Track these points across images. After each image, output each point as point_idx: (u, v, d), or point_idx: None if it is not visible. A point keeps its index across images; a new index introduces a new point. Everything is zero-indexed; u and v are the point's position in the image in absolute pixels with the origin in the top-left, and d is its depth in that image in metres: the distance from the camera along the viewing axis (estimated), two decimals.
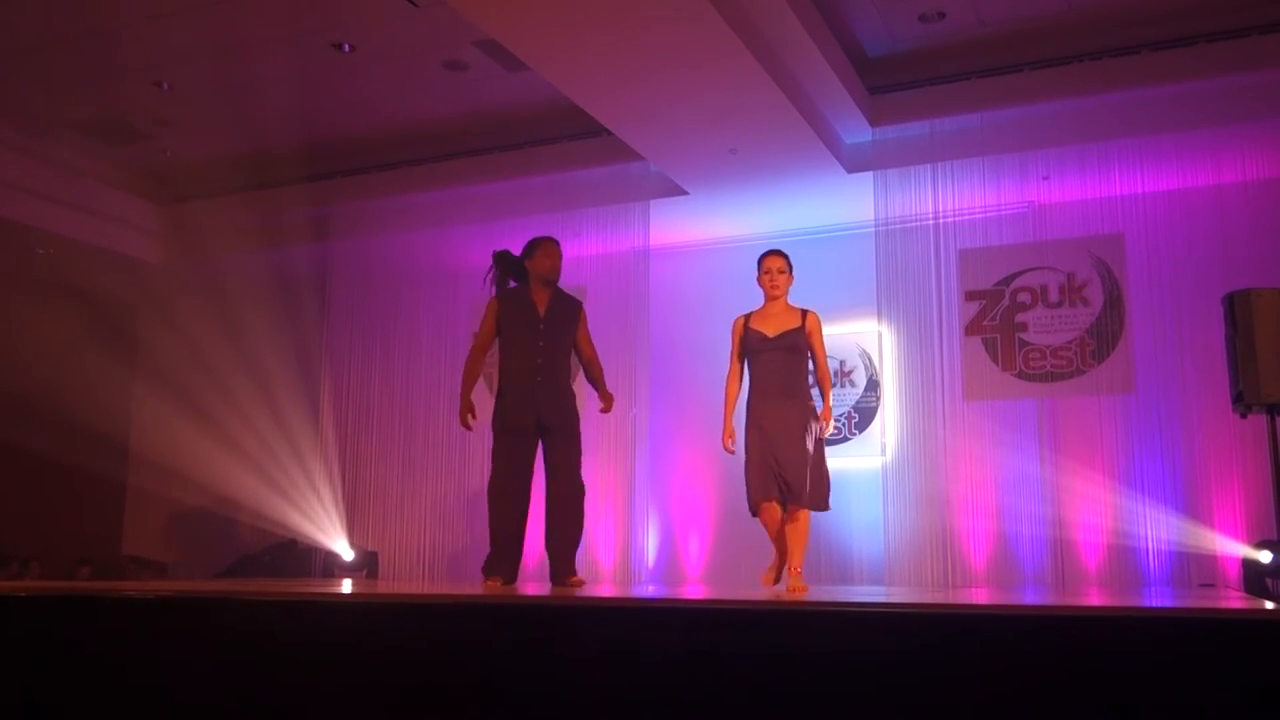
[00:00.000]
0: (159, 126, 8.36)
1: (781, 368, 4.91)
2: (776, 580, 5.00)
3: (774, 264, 5.03)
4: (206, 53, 7.18)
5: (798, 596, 3.90)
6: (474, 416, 5.22)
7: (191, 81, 7.64)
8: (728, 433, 5.04)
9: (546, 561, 5.22)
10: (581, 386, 5.60)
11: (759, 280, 5.06)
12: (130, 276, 9.73)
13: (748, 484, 4.84)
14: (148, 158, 8.93)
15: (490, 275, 5.33)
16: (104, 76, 7.54)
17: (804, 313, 5.02)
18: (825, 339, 5.08)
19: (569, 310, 5.27)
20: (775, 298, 5.02)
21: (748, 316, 5.09)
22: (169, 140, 8.63)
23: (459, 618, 2.90)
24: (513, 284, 5.32)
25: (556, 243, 5.32)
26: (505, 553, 5.10)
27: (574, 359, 5.38)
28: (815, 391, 5.04)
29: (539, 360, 5.09)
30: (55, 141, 8.50)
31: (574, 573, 5.10)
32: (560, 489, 5.12)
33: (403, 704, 2.77)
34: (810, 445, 4.79)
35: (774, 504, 4.79)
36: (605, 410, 5.37)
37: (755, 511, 4.87)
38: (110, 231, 9.18)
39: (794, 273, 5.07)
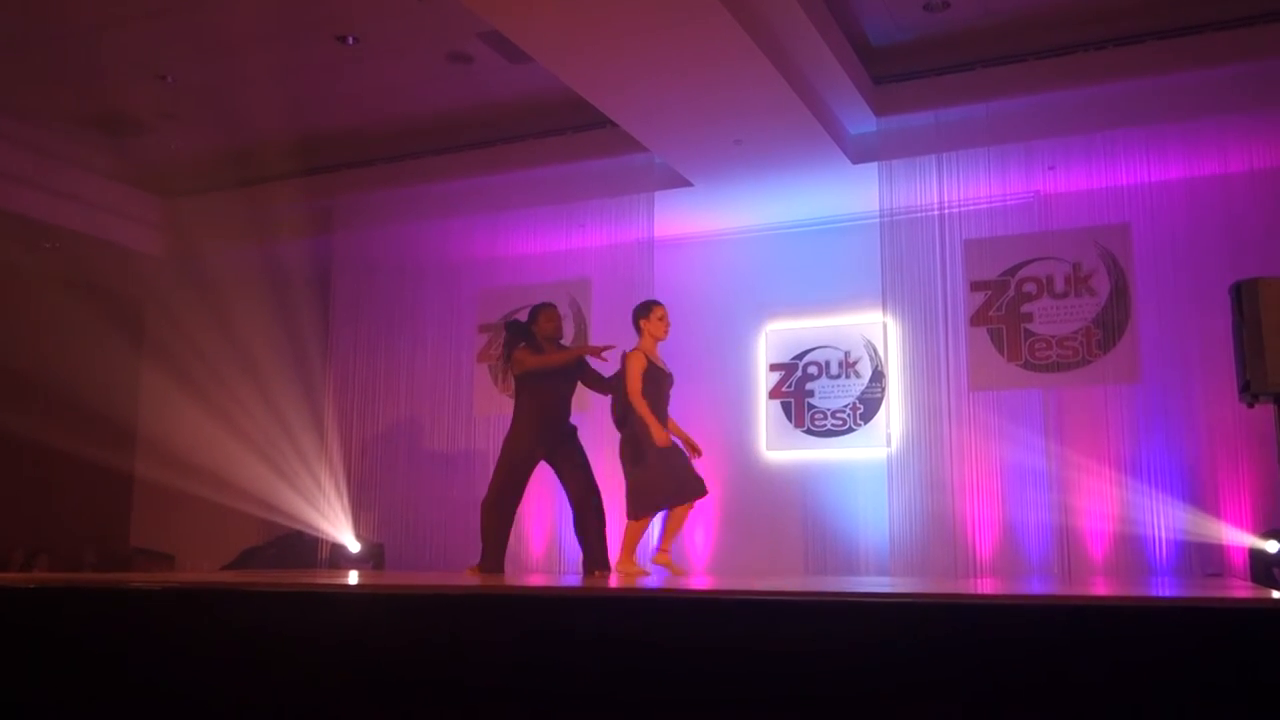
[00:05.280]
0: (163, 120, 8.35)
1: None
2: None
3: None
4: (209, 46, 7.17)
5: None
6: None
7: (195, 75, 7.64)
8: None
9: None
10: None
11: (658, 327, 5.86)
12: (136, 269, 9.75)
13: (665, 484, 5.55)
14: (152, 151, 8.93)
15: (503, 341, 6.02)
16: (107, 70, 7.52)
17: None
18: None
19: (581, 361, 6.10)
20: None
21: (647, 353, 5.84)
22: (173, 134, 8.61)
23: (466, 609, 2.91)
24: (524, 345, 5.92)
25: (555, 306, 6.04)
26: (492, 550, 5.81)
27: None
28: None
29: (566, 399, 5.93)
30: (59, 136, 8.50)
31: (606, 564, 5.72)
32: (586, 488, 5.84)
33: (410, 694, 2.78)
34: None
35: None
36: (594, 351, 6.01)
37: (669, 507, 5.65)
38: (116, 225, 9.19)
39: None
